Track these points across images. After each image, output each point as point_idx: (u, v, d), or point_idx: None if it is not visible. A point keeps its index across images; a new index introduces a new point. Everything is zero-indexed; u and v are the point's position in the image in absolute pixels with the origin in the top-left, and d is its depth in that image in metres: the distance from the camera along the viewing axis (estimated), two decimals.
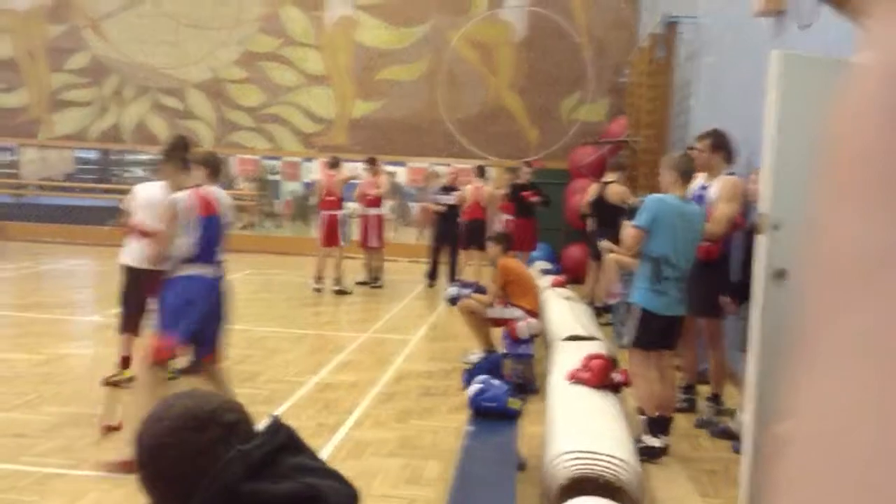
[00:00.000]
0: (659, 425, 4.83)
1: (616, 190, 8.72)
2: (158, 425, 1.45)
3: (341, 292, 10.77)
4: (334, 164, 11.20)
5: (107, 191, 15.82)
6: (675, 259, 4.71)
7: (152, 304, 4.85)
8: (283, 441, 1.49)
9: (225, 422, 1.45)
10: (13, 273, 12.06)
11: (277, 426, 1.51)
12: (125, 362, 5.89)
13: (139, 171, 15.86)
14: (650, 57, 10.44)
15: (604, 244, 6.15)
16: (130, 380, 5.77)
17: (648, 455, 4.67)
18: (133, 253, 5.68)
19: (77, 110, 16.21)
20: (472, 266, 11.20)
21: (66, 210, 15.93)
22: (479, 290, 7.72)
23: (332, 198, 10.98)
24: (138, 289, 5.65)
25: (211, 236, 4.59)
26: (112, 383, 5.81)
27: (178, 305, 4.46)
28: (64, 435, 4.88)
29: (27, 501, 3.92)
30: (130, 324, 5.80)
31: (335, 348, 7.60)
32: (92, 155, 16.46)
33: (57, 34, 16.12)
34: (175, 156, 5.05)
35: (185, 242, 4.50)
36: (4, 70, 16.25)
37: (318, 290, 10.82)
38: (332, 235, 10.92)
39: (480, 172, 11.85)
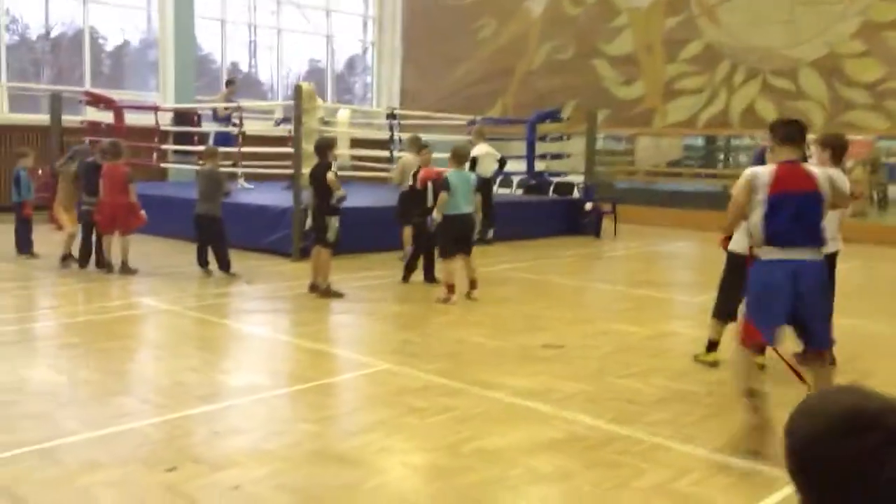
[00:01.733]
0: None
1: None
2: (813, 420, 1.30)
3: None
4: None
5: (711, 176, 16.11)
6: None
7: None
8: None
9: (893, 426, 1.22)
10: (624, 252, 13.09)
11: None
12: (712, 346, 5.97)
13: (743, 158, 15.78)
14: None
15: None
16: (715, 363, 5.87)
17: None
18: (739, 240, 5.55)
19: (688, 98, 16.80)
20: None
21: (672, 195, 16.67)
22: None
23: None
24: (738, 276, 5.39)
25: (800, 214, 4.14)
26: (701, 362, 5.99)
27: (758, 292, 4.25)
28: (672, 409, 5.02)
29: (638, 466, 4.11)
30: (724, 309, 5.80)
31: None
32: (699, 141, 16.95)
33: (672, 25, 16.90)
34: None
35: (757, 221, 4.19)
36: (625, 64, 17.65)
37: None
38: None
39: None
